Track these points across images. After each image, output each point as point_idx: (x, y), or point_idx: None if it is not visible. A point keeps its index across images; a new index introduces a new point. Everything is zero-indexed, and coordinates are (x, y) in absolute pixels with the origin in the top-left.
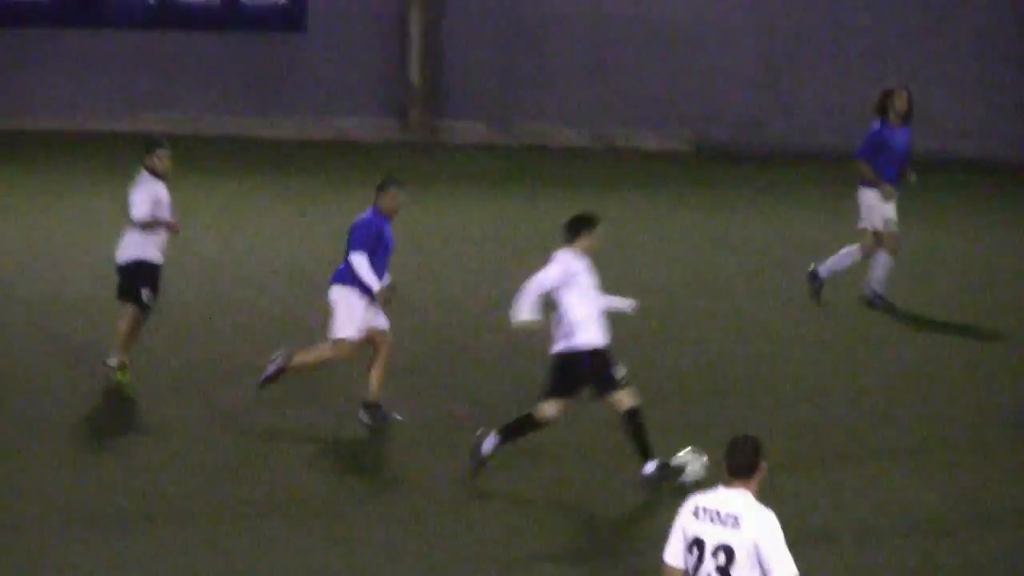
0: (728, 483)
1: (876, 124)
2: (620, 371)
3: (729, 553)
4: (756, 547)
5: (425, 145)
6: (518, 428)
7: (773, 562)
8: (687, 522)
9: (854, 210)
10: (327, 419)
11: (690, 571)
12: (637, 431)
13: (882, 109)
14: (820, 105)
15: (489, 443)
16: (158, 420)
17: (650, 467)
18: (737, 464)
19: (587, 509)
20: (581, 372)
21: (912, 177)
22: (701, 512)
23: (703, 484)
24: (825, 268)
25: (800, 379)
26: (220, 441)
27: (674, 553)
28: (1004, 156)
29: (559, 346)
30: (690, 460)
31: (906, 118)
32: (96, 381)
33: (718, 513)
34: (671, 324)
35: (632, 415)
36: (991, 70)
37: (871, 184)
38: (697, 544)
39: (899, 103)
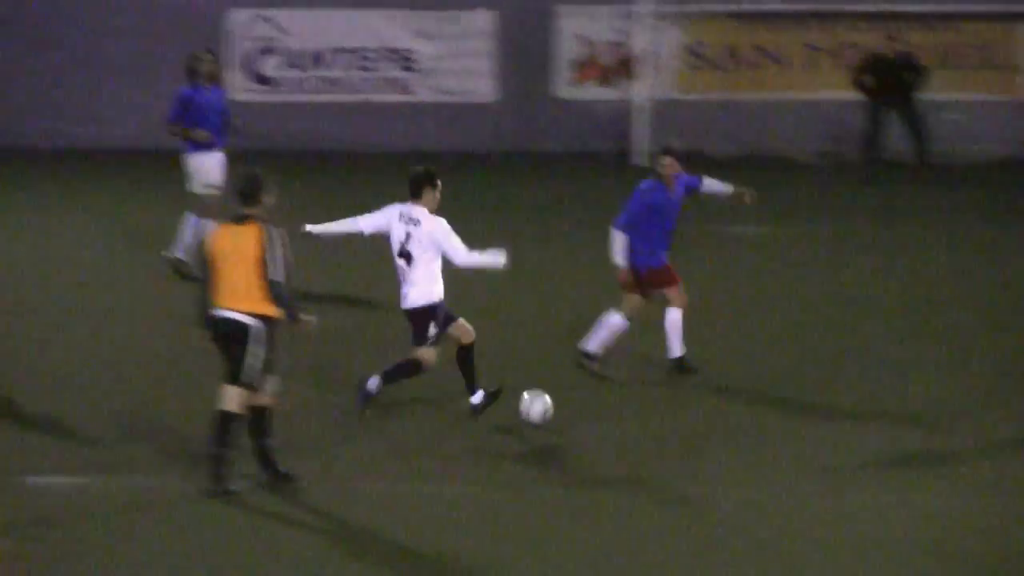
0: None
1: (186, 89)
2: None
3: None
4: None
5: None
6: (400, 372)
7: None
8: None
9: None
10: None
11: None
12: (468, 365)
13: (192, 74)
14: None
15: (373, 383)
16: None
17: (477, 399)
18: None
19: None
20: (436, 319)
21: (240, 125)
22: None
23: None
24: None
25: None
26: None
27: None
28: None
29: (426, 299)
30: (532, 400)
31: (214, 79)
32: None
33: None
34: None
35: (467, 350)
36: None
37: (197, 146)
38: None
39: (206, 67)
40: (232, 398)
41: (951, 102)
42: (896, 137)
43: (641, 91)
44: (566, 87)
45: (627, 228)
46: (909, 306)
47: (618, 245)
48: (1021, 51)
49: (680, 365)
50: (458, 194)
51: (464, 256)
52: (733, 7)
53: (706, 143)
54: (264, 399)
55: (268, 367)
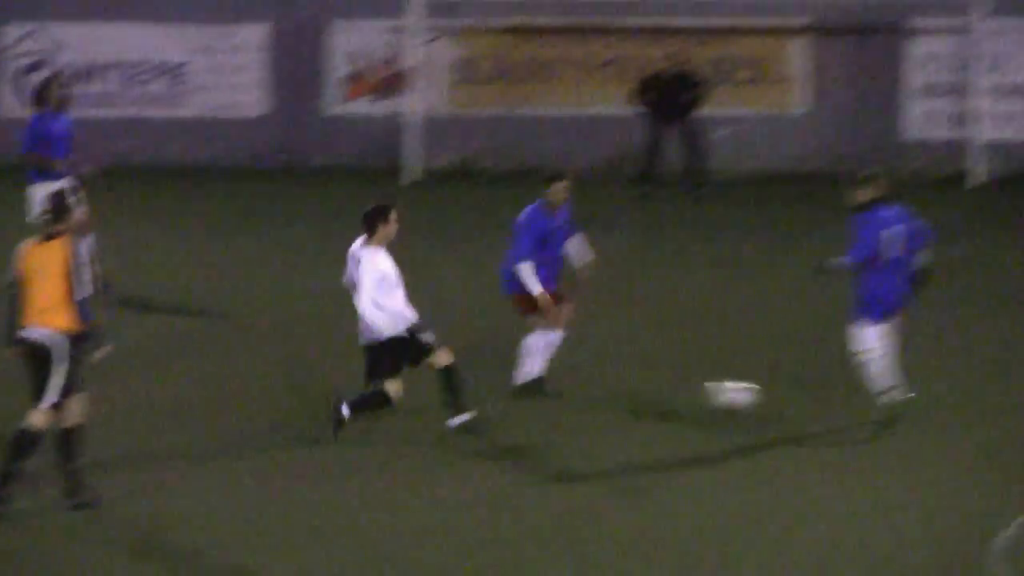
0: None
1: (36, 116)
2: (428, 337)
3: None
4: None
5: None
6: (368, 403)
7: None
8: None
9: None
10: None
11: None
12: (453, 385)
13: (41, 100)
14: None
15: (345, 410)
16: None
17: (458, 420)
18: None
19: None
20: (403, 350)
21: (87, 168)
22: None
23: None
24: None
25: None
26: None
27: None
28: None
29: (386, 333)
30: (735, 390)
31: (61, 105)
32: None
33: None
34: None
35: (448, 371)
36: None
37: (43, 175)
38: None
39: (55, 92)
40: (35, 416)
41: (725, 117)
42: (673, 154)
43: (413, 107)
44: (337, 102)
45: (529, 257)
46: (666, 323)
47: (527, 274)
48: (794, 65)
49: (533, 387)
50: (222, 210)
51: (364, 303)
52: (506, 22)
53: (480, 159)
54: (71, 419)
55: (73, 385)
